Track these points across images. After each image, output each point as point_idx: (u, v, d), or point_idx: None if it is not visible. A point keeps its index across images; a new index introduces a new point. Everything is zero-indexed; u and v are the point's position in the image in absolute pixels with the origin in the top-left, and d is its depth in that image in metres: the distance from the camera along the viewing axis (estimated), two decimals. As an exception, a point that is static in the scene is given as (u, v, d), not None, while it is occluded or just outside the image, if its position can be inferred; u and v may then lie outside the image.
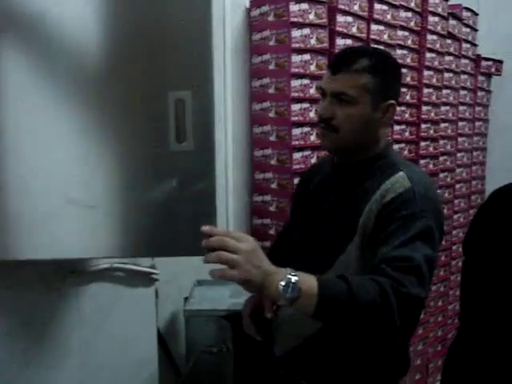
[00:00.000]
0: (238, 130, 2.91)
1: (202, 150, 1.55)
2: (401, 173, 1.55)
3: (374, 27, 3.24)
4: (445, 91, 3.99)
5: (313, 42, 2.85)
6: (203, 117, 1.55)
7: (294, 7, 2.78)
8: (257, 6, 2.91)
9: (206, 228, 1.32)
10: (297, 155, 2.80)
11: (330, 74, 1.59)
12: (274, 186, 2.90)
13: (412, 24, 3.59)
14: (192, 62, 1.54)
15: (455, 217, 4.27)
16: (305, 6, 2.81)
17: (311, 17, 2.85)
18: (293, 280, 1.26)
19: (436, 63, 3.83)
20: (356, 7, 3.10)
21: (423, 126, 3.74)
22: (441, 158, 3.97)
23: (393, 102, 1.60)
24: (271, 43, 2.83)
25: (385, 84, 1.58)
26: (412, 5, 3.56)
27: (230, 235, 1.31)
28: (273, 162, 2.88)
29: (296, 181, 2.75)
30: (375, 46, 3.10)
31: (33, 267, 1.82)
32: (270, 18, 2.84)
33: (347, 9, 3.03)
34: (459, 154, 4.30)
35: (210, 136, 1.56)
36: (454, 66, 4.12)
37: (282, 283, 1.26)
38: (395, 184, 1.51)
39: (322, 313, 1.29)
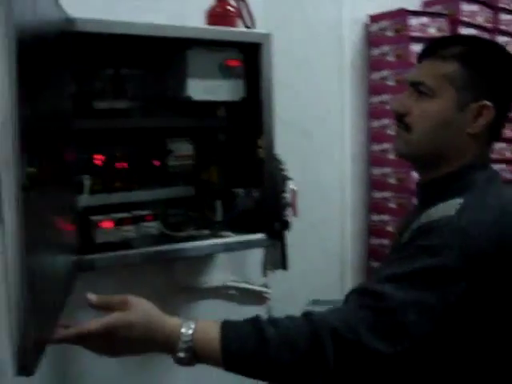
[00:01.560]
0: (355, 147, 2.87)
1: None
2: (460, 198, 1.15)
3: (500, 39, 3.08)
4: None
5: (434, 56, 2.74)
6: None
7: (413, 21, 2.72)
8: (375, 21, 2.87)
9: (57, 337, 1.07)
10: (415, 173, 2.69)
11: (417, 63, 1.30)
12: (392, 205, 2.83)
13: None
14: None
15: None
16: (425, 19, 2.75)
17: (432, 30, 2.78)
18: (183, 355, 1.07)
19: None
20: (480, 19, 2.97)
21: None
22: None
23: (488, 103, 1.19)
24: (390, 58, 2.79)
25: (479, 78, 1.20)
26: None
27: (87, 335, 1.06)
28: (392, 180, 2.81)
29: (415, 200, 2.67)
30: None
31: (148, 278, 1.88)
32: (389, 33, 2.80)
33: (470, 21, 2.91)
34: None
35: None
36: None
37: (174, 356, 1.09)
38: (442, 208, 1.15)
39: (232, 367, 1.09)
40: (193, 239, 1.76)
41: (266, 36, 1.74)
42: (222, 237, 1.78)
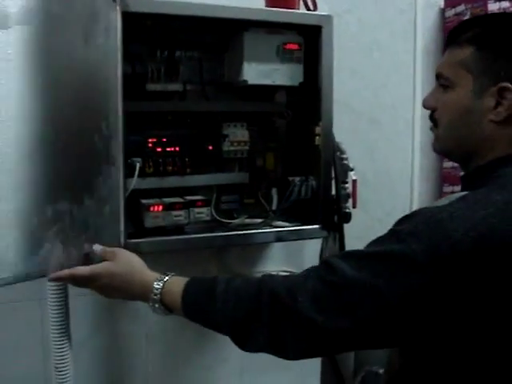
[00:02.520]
0: (426, 139, 2.71)
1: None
2: (466, 192, 1.06)
3: None
4: None
5: (516, 43, 2.58)
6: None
7: (493, 5, 2.55)
8: (452, 6, 2.71)
9: (52, 276, 1.26)
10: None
11: (442, 52, 1.22)
12: (463, 199, 2.68)
13: None
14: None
15: None
16: (506, 3, 2.56)
17: None
18: (156, 306, 1.23)
19: None
20: None
21: None
22: None
23: (508, 85, 1.07)
24: None
25: (497, 59, 1.09)
26: None
27: (76, 278, 1.28)
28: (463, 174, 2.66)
29: None
30: None
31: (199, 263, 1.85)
32: (467, 18, 2.63)
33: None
34: None
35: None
36: None
37: (150, 306, 1.25)
38: (442, 200, 1.08)
39: (192, 318, 1.22)
40: (245, 227, 1.72)
41: (327, 18, 1.67)
42: (275, 226, 1.73)
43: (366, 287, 0.98)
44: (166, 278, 1.24)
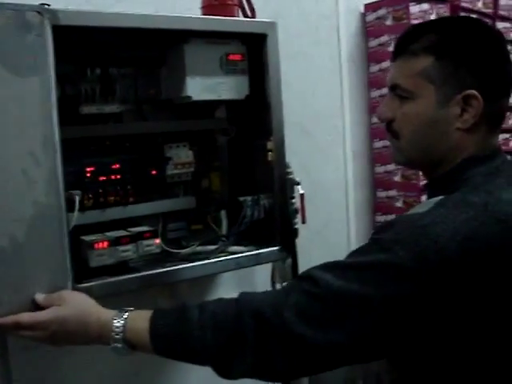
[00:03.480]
0: (357, 145, 2.70)
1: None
2: (442, 197, 1.04)
3: (500, 25, 2.94)
4: None
5: (435, 46, 2.59)
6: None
7: (414, 8, 2.56)
8: (372, 10, 2.69)
9: None
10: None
11: (391, 60, 1.18)
12: (398, 204, 2.67)
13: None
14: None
15: None
16: (425, 6, 2.58)
17: (433, 18, 2.60)
18: (119, 345, 1.12)
19: None
20: (480, 4, 2.82)
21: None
22: None
23: (473, 92, 1.07)
24: (390, 49, 2.57)
25: (458, 67, 1.08)
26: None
27: (22, 326, 1.15)
28: (397, 178, 2.65)
29: (423, 198, 2.53)
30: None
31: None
32: (388, 22, 2.63)
33: (470, 6, 2.75)
34: None
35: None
36: None
37: (111, 347, 1.13)
38: (420, 206, 1.08)
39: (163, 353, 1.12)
40: (198, 257, 1.59)
41: (272, 25, 1.58)
42: (230, 253, 1.60)
43: (355, 297, 0.96)
44: (126, 314, 1.14)
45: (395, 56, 1.16)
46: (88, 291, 1.32)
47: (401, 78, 1.13)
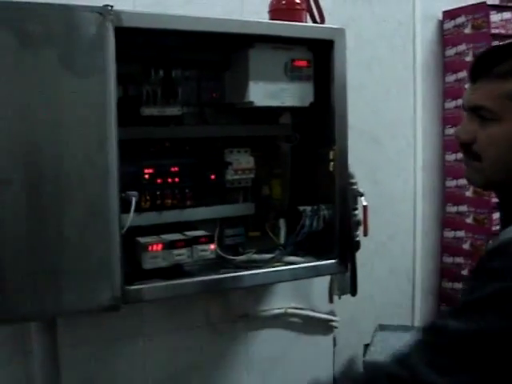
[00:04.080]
0: (428, 157, 2.62)
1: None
2: None
3: None
4: None
5: (517, 55, 2.47)
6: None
7: (495, 17, 2.46)
8: (451, 18, 2.60)
9: None
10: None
11: (470, 82, 1.17)
12: (468, 220, 2.56)
13: None
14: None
15: None
16: (508, 15, 2.47)
17: None
18: None
19: None
20: None
21: None
22: None
23: None
24: (468, 59, 2.52)
25: None
26: None
27: None
28: (468, 193, 2.55)
29: (495, 216, 2.42)
30: None
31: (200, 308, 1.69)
32: (467, 31, 2.53)
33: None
34: None
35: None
36: None
37: None
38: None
39: None
40: (253, 265, 1.56)
41: (340, 31, 1.52)
42: (287, 263, 1.56)
43: (481, 335, 0.94)
44: None
45: (476, 77, 1.13)
46: (137, 294, 1.33)
47: (485, 100, 1.09)
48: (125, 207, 1.40)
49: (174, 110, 1.48)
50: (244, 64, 1.49)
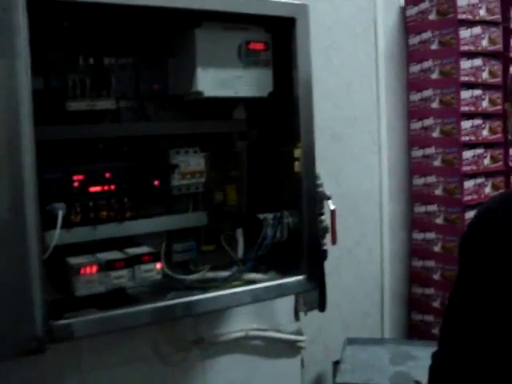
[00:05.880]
0: (393, 154, 2.48)
1: None
2: None
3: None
4: None
5: (485, 43, 2.38)
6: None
7: (461, 1, 2.31)
8: (413, 4, 2.45)
9: None
10: (468, 183, 2.36)
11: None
12: (439, 221, 2.41)
13: None
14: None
15: None
16: (474, -1, 2.32)
17: (482, 12, 2.38)
18: None
19: None
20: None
21: None
22: None
23: None
24: (433, 47, 2.39)
25: None
26: None
27: None
28: (438, 191, 2.42)
29: (468, 215, 2.27)
30: None
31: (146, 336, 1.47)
32: (432, 17, 2.40)
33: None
34: None
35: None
36: None
37: None
38: None
39: None
40: (208, 285, 1.35)
41: (302, 8, 1.32)
42: (247, 281, 1.35)
43: None
44: None
45: None
46: (67, 329, 1.08)
47: None
48: (50, 222, 1.16)
49: (106, 104, 1.24)
50: (190, 48, 1.27)
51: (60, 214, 1.18)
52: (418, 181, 2.49)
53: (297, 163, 1.34)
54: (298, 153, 1.33)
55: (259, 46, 1.32)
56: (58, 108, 1.21)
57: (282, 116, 1.39)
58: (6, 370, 1.31)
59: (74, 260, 1.22)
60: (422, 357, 1.97)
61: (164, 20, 1.27)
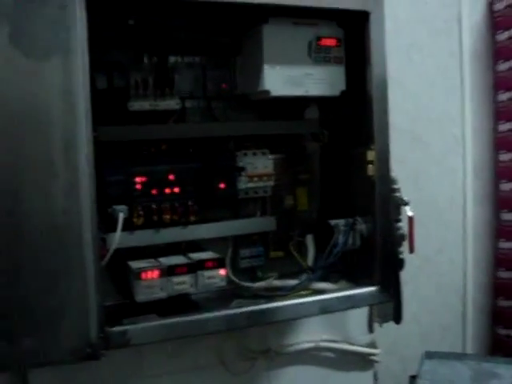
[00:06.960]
0: (479, 157, 2.35)
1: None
2: None
3: None
4: None
5: None
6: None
7: (555, -8, 2.15)
8: (502, -2, 2.30)
9: None
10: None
11: None
12: (527, 229, 2.27)
13: None
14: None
15: None
16: None
17: None
18: None
19: None
20: None
21: None
22: None
23: None
24: None
25: None
26: None
27: None
28: (527, 198, 2.26)
29: None
30: None
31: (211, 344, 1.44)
32: (522, 11, 2.23)
33: None
34: None
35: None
36: None
37: None
38: None
39: None
40: (275, 293, 1.31)
41: (377, 1, 1.24)
42: (316, 290, 1.30)
43: None
44: None
45: None
46: (123, 336, 1.05)
47: None
48: (112, 225, 1.14)
49: (170, 103, 1.21)
50: (257, 45, 1.23)
51: (121, 216, 1.16)
52: (506, 186, 2.36)
53: (370, 166, 1.26)
54: (371, 155, 1.26)
55: (331, 42, 1.27)
56: (121, 108, 1.19)
57: (354, 116, 1.32)
58: (65, 373, 1.30)
59: (135, 264, 1.19)
60: (506, 376, 1.85)
61: (230, 16, 1.24)
